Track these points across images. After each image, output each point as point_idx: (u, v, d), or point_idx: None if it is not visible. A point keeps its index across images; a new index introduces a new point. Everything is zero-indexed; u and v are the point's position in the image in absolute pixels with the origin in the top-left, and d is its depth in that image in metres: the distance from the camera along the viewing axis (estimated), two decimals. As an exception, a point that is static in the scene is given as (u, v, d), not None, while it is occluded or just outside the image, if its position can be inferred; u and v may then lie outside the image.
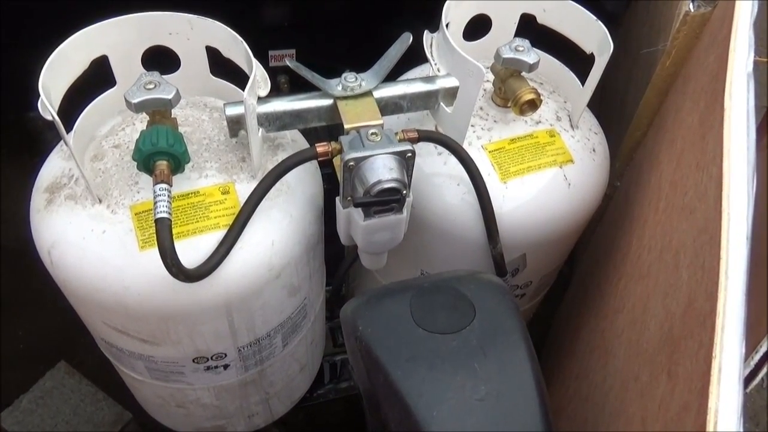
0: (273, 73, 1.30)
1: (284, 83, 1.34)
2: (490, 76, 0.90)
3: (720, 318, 0.45)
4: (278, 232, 0.78)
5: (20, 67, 0.86)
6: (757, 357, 1.78)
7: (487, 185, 0.82)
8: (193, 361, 0.87)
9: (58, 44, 0.70)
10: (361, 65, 0.81)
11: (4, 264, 1.52)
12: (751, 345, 1.69)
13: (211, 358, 0.88)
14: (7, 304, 1.54)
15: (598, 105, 1.32)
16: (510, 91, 0.86)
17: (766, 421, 1.76)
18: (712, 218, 0.54)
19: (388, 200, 0.73)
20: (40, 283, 0.86)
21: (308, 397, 1.32)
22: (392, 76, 0.85)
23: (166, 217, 0.67)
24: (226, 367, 0.91)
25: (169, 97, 0.69)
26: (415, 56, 0.88)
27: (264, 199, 0.75)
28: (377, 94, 0.80)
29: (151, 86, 0.69)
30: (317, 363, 1.20)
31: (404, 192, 0.73)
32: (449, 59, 0.82)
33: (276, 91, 0.81)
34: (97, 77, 0.78)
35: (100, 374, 1.47)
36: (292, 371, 1.06)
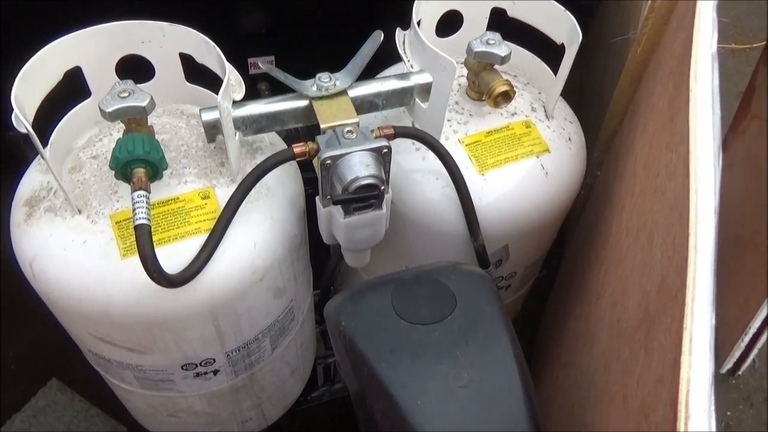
0: (253, 80, 1.31)
1: (265, 90, 1.35)
2: (465, 71, 0.91)
3: (690, 290, 0.46)
4: (260, 234, 0.79)
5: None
6: (747, 339, 1.79)
7: (465, 178, 0.83)
8: (182, 368, 0.87)
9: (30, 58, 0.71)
10: (342, 68, 0.82)
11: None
12: (740, 328, 1.71)
13: (200, 364, 0.88)
14: (-2, 324, 1.53)
15: (577, 97, 1.33)
16: (484, 85, 0.87)
17: (759, 402, 1.78)
18: (681, 196, 0.55)
19: (367, 196, 0.74)
20: (29, 303, 0.86)
21: (302, 401, 1.32)
22: (369, 76, 0.86)
23: (145, 223, 0.67)
24: (215, 372, 0.91)
25: (144, 104, 0.70)
26: (391, 55, 0.89)
27: (244, 202, 0.76)
28: (352, 92, 0.80)
29: (125, 94, 0.70)
30: (309, 366, 1.20)
31: (382, 188, 0.74)
32: (421, 55, 0.83)
33: (257, 98, 0.81)
34: (72, 89, 0.78)
35: (93, 390, 1.47)
36: (283, 375, 1.06)
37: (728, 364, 1.74)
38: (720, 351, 1.75)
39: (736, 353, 1.70)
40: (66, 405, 1.46)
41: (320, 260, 1.04)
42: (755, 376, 1.81)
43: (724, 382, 1.78)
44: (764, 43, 1.67)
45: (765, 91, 1.66)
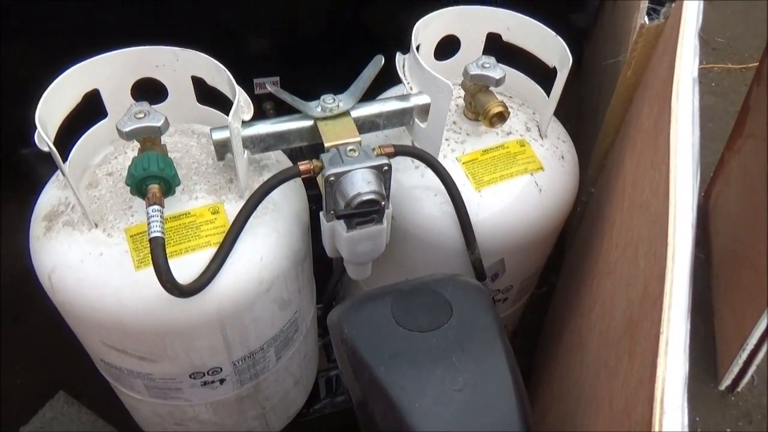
0: (258, 100, 1.35)
1: (270, 109, 1.39)
2: (462, 93, 0.96)
3: (667, 297, 0.50)
4: (266, 248, 0.83)
5: (10, 107, 0.90)
6: (744, 355, 1.80)
7: (462, 194, 0.87)
8: (190, 376, 0.90)
9: (49, 83, 0.75)
10: (344, 88, 0.86)
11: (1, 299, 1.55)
12: (738, 343, 1.72)
13: (207, 372, 0.91)
14: (6, 338, 1.56)
15: (575, 117, 1.37)
16: (480, 105, 0.91)
17: (758, 419, 1.79)
18: (662, 210, 0.59)
19: (368, 211, 0.78)
20: (38, 318, 0.89)
21: (305, 413, 1.35)
22: (371, 97, 0.91)
23: (159, 236, 0.71)
24: (222, 381, 0.94)
25: (159, 124, 0.74)
26: (391, 78, 0.93)
27: (252, 217, 0.80)
28: (354, 113, 0.85)
29: (141, 115, 0.74)
30: (311, 377, 1.23)
31: (383, 203, 0.78)
32: (420, 78, 0.87)
33: (262, 117, 0.86)
34: (90, 110, 0.83)
35: (99, 403, 1.49)
36: (287, 385, 1.09)
37: (726, 381, 1.75)
38: (719, 367, 1.77)
39: (735, 369, 1.72)
40: (73, 417, 1.48)
41: (323, 275, 1.08)
42: (754, 393, 1.82)
43: (723, 399, 1.79)
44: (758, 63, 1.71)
45: (759, 111, 1.70)
